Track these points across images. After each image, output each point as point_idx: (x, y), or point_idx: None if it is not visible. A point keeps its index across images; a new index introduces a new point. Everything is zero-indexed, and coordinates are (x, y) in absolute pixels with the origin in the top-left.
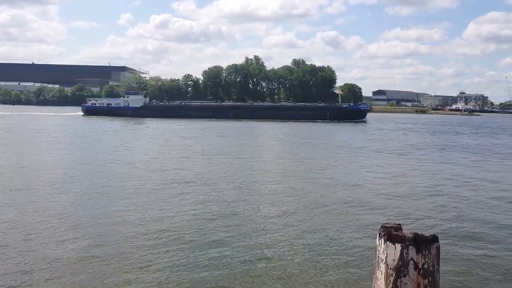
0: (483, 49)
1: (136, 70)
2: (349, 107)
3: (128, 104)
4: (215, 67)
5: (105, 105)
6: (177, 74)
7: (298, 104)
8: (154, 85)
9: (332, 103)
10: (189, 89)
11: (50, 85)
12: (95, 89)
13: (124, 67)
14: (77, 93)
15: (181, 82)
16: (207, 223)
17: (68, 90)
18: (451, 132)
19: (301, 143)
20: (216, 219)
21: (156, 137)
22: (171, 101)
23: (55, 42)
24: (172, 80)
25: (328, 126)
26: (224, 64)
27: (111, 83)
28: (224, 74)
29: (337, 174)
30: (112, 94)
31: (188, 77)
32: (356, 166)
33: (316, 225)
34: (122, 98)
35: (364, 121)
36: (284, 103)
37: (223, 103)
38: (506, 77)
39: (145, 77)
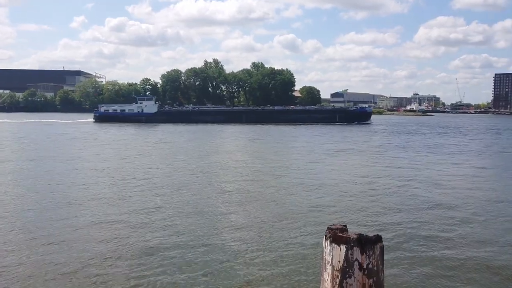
0: (433, 52)
1: (91, 74)
2: (356, 110)
3: (143, 110)
4: (174, 70)
5: (118, 111)
6: (135, 78)
7: (308, 107)
8: (111, 89)
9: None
10: (147, 93)
11: (0, 91)
12: (49, 94)
13: (79, 71)
14: (29, 98)
15: (139, 86)
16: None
17: (19, 95)
18: (415, 132)
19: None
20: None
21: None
22: (183, 106)
23: (4, 45)
24: (130, 84)
25: (341, 128)
26: (183, 67)
27: (65, 88)
28: (183, 78)
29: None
30: (67, 99)
31: (146, 81)
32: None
33: (273, 225)
34: (135, 104)
35: (369, 123)
36: (294, 107)
37: (235, 108)
38: (456, 79)
39: (101, 81)
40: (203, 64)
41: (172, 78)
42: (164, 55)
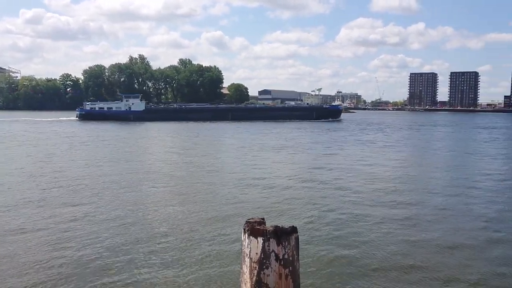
0: (354, 52)
1: (5, 68)
2: (330, 107)
3: (130, 107)
4: (97, 66)
5: (105, 109)
6: (54, 73)
7: (287, 105)
8: (27, 85)
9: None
10: (68, 89)
11: None
12: None
13: None
14: None
15: (58, 82)
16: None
17: None
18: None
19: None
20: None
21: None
22: (168, 104)
23: None
24: (48, 80)
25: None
26: (107, 63)
27: None
28: (107, 74)
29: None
30: None
31: (66, 76)
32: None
33: (197, 220)
34: (122, 102)
35: (340, 120)
36: (275, 105)
37: (221, 105)
38: (375, 78)
39: (16, 77)
40: (128, 59)
41: (95, 74)
42: (86, 50)
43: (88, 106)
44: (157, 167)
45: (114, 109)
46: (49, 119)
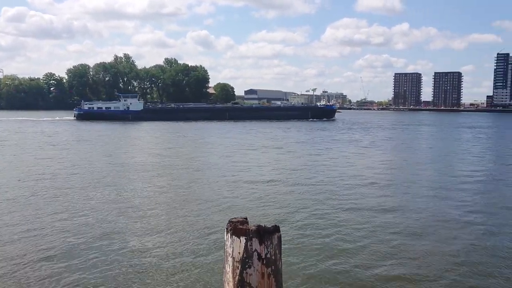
0: (340, 52)
1: None
2: (325, 107)
3: (128, 107)
4: (81, 65)
5: (104, 108)
6: (37, 72)
7: (282, 105)
8: (9, 84)
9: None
10: (51, 88)
11: None
12: None
13: None
14: None
15: (42, 81)
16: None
17: None
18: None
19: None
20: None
21: None
22: (166, 103)
23: None
24: (31, 79)
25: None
26: (91, 62)
27: None
28: (91, 73)
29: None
30: None
31: (50, 76)
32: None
33: (181, 221)
34: (120, 101)
35: (334, 119)
36: (270, 105)
37: (218, 105)
38: (360, 77)
39: None
40: (113, 59)
41: (79, 73)
42: (70, 49)
43: (86, 106)
44: (144, 166)
45: (112, 109)
46: (46, 118)
